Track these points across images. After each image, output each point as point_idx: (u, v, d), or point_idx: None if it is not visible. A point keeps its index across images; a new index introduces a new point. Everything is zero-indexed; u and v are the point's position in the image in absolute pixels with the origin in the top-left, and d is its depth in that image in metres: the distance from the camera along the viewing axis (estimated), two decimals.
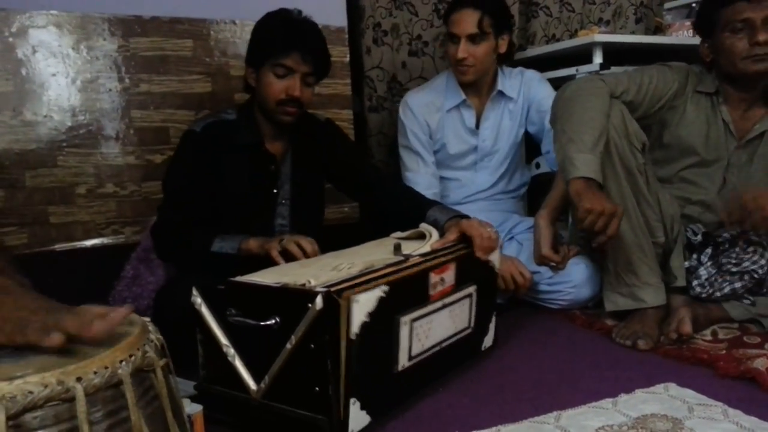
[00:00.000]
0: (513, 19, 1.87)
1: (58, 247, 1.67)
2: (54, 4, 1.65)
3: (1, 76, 1.61)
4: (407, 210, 1.44)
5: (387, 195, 1.52)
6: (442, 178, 1.85)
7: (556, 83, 1.82)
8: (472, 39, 1.68)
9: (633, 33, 2.34)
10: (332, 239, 1.34)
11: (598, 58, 1.79)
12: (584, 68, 1.80)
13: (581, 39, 1.81)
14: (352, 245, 1.28)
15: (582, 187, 1.20)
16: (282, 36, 1.39)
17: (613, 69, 1.80)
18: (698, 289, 1.33)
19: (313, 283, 0.92)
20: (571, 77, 1.84)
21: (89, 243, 1.70)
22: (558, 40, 2.25)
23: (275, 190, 1.49)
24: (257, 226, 1.43)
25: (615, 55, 1.88)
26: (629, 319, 1.36)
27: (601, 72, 1.75)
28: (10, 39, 1.62)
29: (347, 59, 1.99)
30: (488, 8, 1.69)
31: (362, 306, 0.93)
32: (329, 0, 1.95)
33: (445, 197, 1.83)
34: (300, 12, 1.45)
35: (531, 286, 1.54)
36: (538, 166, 1.97)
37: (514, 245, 1.70)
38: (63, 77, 1.67)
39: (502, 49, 1.75)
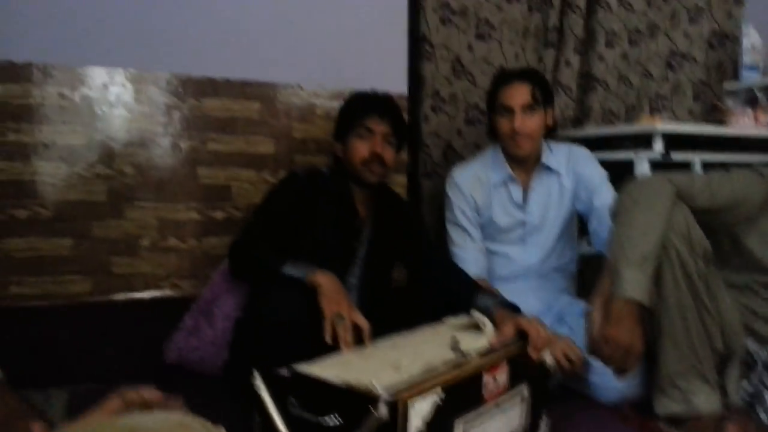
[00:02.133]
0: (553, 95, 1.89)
1: (119, 296, 1.74)
2: (132, 62, 1.75)
3: (77, 130, 1.70)
4: (456, 293, 1.50)
5: (437, 273, 1.58)
6: (489, 252, 1.86)
7: (614, 166, 1.83)
8: (527, 110, 1.71)
9: (691, 111, 2.33)
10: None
11: (659, 146, 1.79)
12: (644, 154, 1.80)
13: (643, 126, 1.82)
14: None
15: (622, 312, 1.22)
16: (362, 104, 1.60)
17: (674, 156, 1.80)
18: (763, 416, 1.29)
19: (376, 385, 0.94)
20: (629, 163, 1.85)
21: (148, 294, 1.77)
22: (614, 115, 2.26)
23: (355, 247, 1.59)
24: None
25: (675, 137, 1.87)
26: (684, 427, 1.33)
27: (663, 157, 1.76)
28: (89, 94, 1.72)
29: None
30: (536, 81, 1.74)
31: (419, 413, 0.94)
32: (392, 68, 2.02)
33: (493, 272, 1.84)
34: (375, 90, 1.66)
35: (582, 372, 1.52)
36: (589, 242, 1.96)
37: (565, 330, 1.69)
38: (136, 133, 1.76)
39: (550, 121, 1.78)
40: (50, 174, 1.68)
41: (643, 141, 1.84)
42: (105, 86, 1.73)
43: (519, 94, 1.70)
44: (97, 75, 1.72)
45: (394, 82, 2.02)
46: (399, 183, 2.04)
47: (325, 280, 1.31)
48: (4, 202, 1.65)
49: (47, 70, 1.67)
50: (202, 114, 1.82)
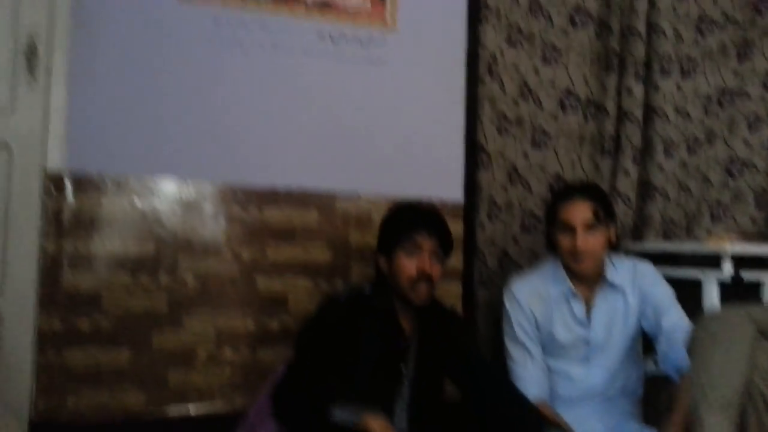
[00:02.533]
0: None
1: (172, 410, 1.72)
2: (197, 173, 1.80)
3: (142, 240, 1.74)
4: (515, 420, 1.44)
5: (495, 398, 1.51)
6: (551, 371, 1.78)
7: (680, 284, 1.77)
8: (588, 228, 1.67)
9: (753, 219, 2.26)
10: None
11: (728, 268, 1.73)
12: (712, 274, 1.75)
13: (712, 247, 1.77)
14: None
15: None
16: (409, 218, 1.56)
17: (744, 275, 1.74)
18: None
19: None
20: (696, 282, 1.79)
21: (202, 409, 1.74)
22: (675, 224, 2.21)
23: (402, 367, 1.52)
24: (379, 401, 1.43)
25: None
26: None
27: (733, 279, 1.70)
28: (155, 204, 1.76)
29: (461, 234, 2.03)
30: (598, 198, 1.70)
31: None
32: (448, 176, 2.04)
33: (554, 393, 1.75)
34: (420, 201, 1.65)
35: None
36: (655, 362, 1.87)
37: None
38: (199, 243, 1.79)
39: (613, 237, 1.73)
40: (115, 283, 1.71)
41: (711, 260, 1.78)
42: (172, 197, 1.77)
43: (580, 212, 1.67)
44: (165, 186, 1.77)
45: (451, 189, 2.03)
46: (453, 292, 2.01)
47: (376, 425, 1.28)
48: (67, 312, 1.67)
49: (118, 181, 1.73)
50: (263, 223, 1.85)
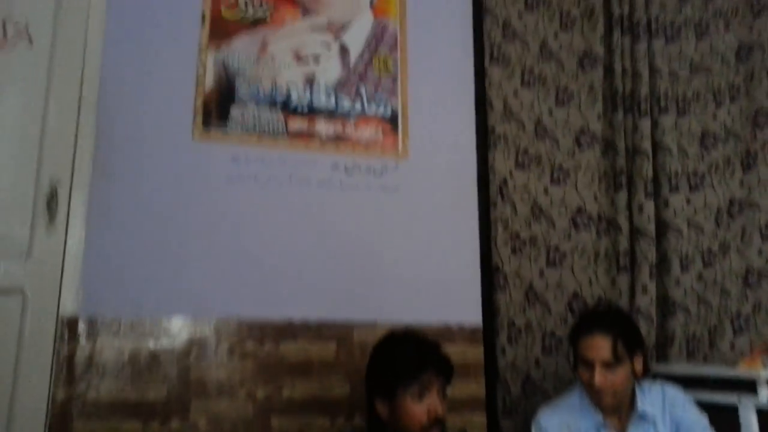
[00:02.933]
0: (643, 338, 1.80)
1: None
2: (212, 311, 1.77)
3: (154, 384, 1.68)
4: None
5: None
6: None
7: (714, 409, 1.70)
8: (607, 365, 1.61)
9: None
10: None
11: (764, 393, 1.67)
12: (748, 400, 1.68)
13: (745, 372, 1.72)
14: None
15: None
16: (412, 357, 1.41)
17: None
18: None
19: None
20: (732, 407, 1.72)
21: None
22: (697, 339, 2.16)
23: None
24: None
25: None
26: None
27: None
28: (168, 345, 1.72)
29: (482, 359, 1.98)
30: (620, 332, 1.63)
31: None
32: (466, 300, 2.00)
33: None
34: (408, 328, 1.53)
35: None
36: None
37: None
38: (212, 383, 1.73)
39: (638, 370, 1.67)
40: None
41: (745, 384, 1.72)
42: (186, 336, 1.73)
43: (599, 349, 1.61)
44: (179, 325, 1.74)
45: (469, 313, 1.99)
46: (477, 422, 1.92)
47: None
48: None
49: (132, 324, 1.70)
50: (279, 358, 1.79)
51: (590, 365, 1.63)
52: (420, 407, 1.37)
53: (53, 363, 1.64)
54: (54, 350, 1.65)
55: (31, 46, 1.78)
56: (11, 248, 1.67)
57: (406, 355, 1.42)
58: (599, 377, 1.61)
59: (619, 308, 2.02)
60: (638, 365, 1.68)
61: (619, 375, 1.62)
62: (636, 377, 1.69)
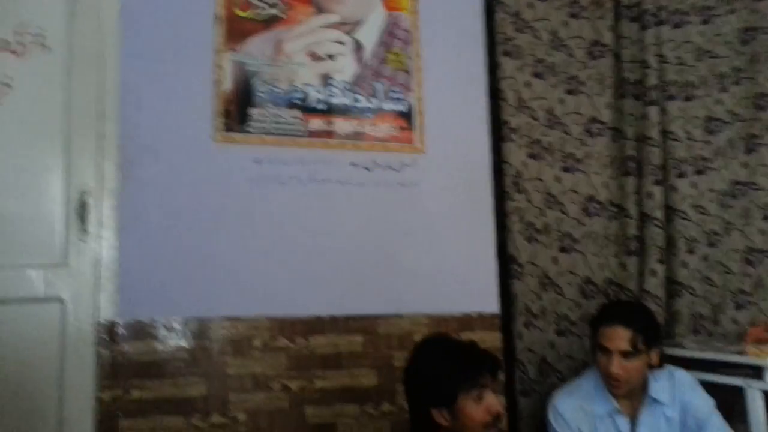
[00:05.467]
0: (662, 332, 1.89)
1: None
2: (244, 309, 1.84)
3: (193, 382, 1.76)
4: None
5: None
6: None
7: (718, 390, 1.80)
8: (625, 355, 1.69)
9: None
10: None
11: None
12: (756, 384, 1.78)
13: (753, 359, 1.81)
14: None
15: None
16: (468, 361, 1.45)
17: None
18: None
19: None
20: (736, 389, 1.82)
21: None
22: (703, 318, 2.26)
23: None
24: None
25: None
26: None
27: None
28: (204, 344, 1.79)
29: (500, 345, 2.07)
30: (640, 326, 1.72)
31: None
32: (484, 289, 2.08)
33: None
34: (437, 334, 1.64)
35: None
36: None
37: None
38: (248, 378, 1.81)
39: (654, 361, 1.76)
40: (170, 428, 1.72)
41: (752, 368, 1.82)
42: (221, 335, 1.81)
43: (619, 339, 1.70)
44: (214, 325, 1.81)
45: (487, 302, 2.08)
46: None
47: None
48: None
49: (169, 325, 1.77)
50: (310, 352, 1.88)
51: (609, 354, 1.72)
52: (481, 408, 1.42)
53: (96, 366, 1.71)
54: (95, 353, 1.72)
55: (48, 55, 1.79)
56: (47, 257, 1.73)
57: (461, 362, 1.44)
58: (616, 366, 1.70)
59: (642, 303, 2.11)
60: (655, 357, 1.76)
61: (636, 365, 1.71)
62: (651, 368, 1.78)
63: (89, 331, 1.72)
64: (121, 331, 1.73)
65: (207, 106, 1.89)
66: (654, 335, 1.75)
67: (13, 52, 1.75)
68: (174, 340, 1.77)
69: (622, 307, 1.84)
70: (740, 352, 1.89)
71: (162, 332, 1.76)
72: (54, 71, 1.79)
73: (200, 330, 1.80)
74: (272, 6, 1.97)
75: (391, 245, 2.01)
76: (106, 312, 1.73)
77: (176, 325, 1.77)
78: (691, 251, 2.26)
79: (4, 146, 1.72)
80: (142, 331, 1.75)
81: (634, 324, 1.71)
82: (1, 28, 1.74)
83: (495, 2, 2.19)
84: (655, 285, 2.19)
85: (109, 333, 1.72)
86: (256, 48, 1.94)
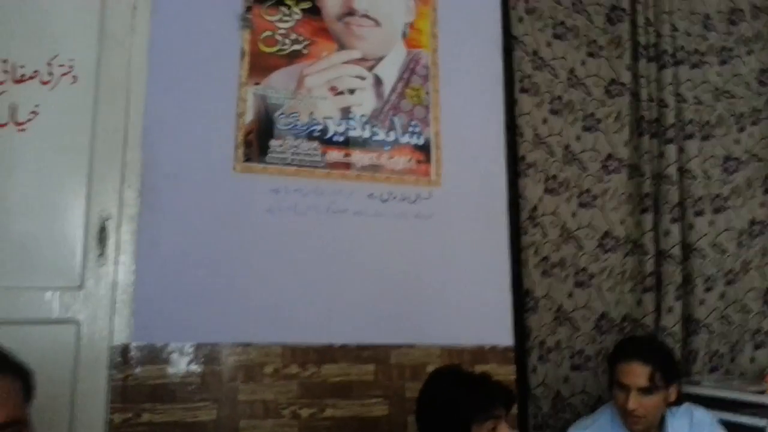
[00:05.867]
0: (680, 369, 1.86)
1: None
2: (257, 336, 1.85)
3: (204, 408, 1.76)
4: None
5: None
6: None
7: (737, 430, 1.76)
8: (643, 392, 1.67)
9: None
10: None
11: None
12: None
13: None
14: None
15: None
16: (482, 394, 1.44)
17: None
18: None
19: None
20: (757, 429, 1.78)
21: None
22: (720, 356, 2.23)
23: None
24: None
25: None
26: None
27: None
28: (216, 370, 1.80)
29: (514, 378, 2.05)
30: (658, 363, 1.70)
31: None
32: (498, 322, 2.07)
33: None
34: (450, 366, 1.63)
35: None
36: None
37: None
38: (259, 405, 1.81)
39: (672, 398, 1.74)
40: None
41: None
42: (233, 361, 1.81)
43: (636, 376, 1.68)
44: (226, 351, 1.81)
45: (501, 334, 2.06)
46: None
47: None
48: None
49: (182, 350, 1.78)
50: (321, 380, 1.87)
51: (627, 390, 1.70)
52: None
53: (108, 388, 1.72)
54: (108, 376, 1.73)
55: (76, 85, 1.85)
56: (65, 280, 1.75)
57: (474, 392, 1.44)
58: (634, 402, 1.67)
59: (660, 339, 2.09)
60: (673, 394, 1.74)
61: (653, 402, 1.69)
62: (669, 404, 1.75)
63: (103, 353, 1.73)
64: (134, 354, 1.75)
65: (229, 137, 1.93)
66: (672, 372, 1.73)
67: (44, 81, 1.82)
68: (186, 365, 1.77)
69: (640, 343, 1.83)
70: (762, 392, 1.85)
71: (175, 356, 1.77)
72: (81, 100, 1.84)
73: (212, 355, 1.80)
74: (296, 42, 2.04)
75: (406, 276, 2.01)
76: (121, 335, 1.75)
77: (189, 350, 1.78)
78: (708, 289, 2.24)
79: (29, 171, 1.77)
80: (155, 354, 1.76)
81: (652, 360, 1.69)
82: (34, 59, 1.81)
83: (514, 41, 2.24)
84: (672, 322, 2.16)
85: (122, 356, 1.74)
86: (278, 82, 1.99)
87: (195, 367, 1.78)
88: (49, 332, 1.73)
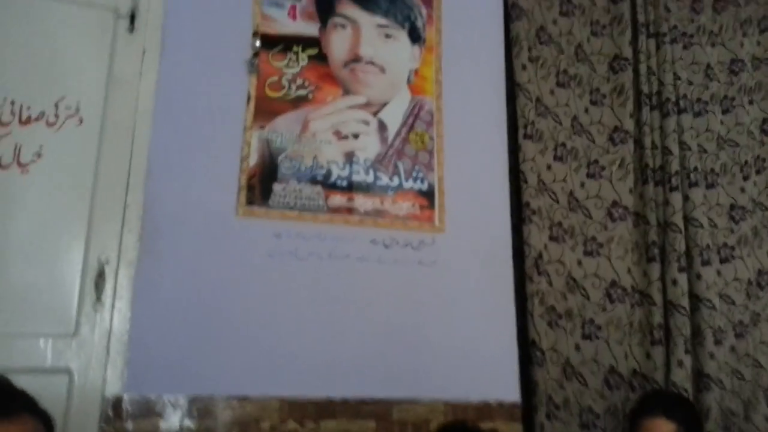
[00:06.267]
0: (704, 426, 1.80)
1: None
2: (254, 389, 1.77)
3: None
4: None
5: None
6: None
7: None
8: None
9: None
10: None
11: None
12: None
13: None
14: None
15: None
16: None
17: None
18: None
19: None
20: None
21: None
22: (733, 414, 2.15)
23: None
24: None
25: None
26: None
27: None
28: (210, 425, 1.70)
29: None
30: (682, 418, 1.65)
31: None
32: (504, 376, 2.00)
33: None
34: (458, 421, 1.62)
35: None
36: None
37: None
38: None
39: None
40: None
41: None
42: (228, 415, 1.73)
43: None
44: (221, 404, 1.73)
45: (507, 389, 1.98)
46: None
47: None
48: None
49: (176, 403, 1.70)
50: None
51: None
52: None
53: None
54: (99, 430, 1.65)
55: (81, 127, 1.83)
56: (59, 326, 1.69)
57: None
58: None
59: (681, 394, 2.03)
60: None
61: None
62: None
63: (95, 405, 1.66)
64: (126, 407, 1.67)
65: (232, 181, 1.90)
66: (697, 428, 1.68)
67: (49, 123, 1.80)
68: (179, 420, 1.69)
69: (664, 398, 1.78)
70: None
71: (168, 410, 1.69)
72: (86, 142, 1.82)
73: (207, 409, 1.72)
74: (301, 87, 2.03)
75: (408, 326, 1.95)
76: (113, 386, 1.67)
77: (183, 402, 1.70)
78: (718, 342, 2.18)
79: (30, 213, 1.73)
80: (147, 408, 1.68)
81: (677, 416, 1.65)
82: (41, 100, 1.79)
83: (517, 87, 2.24)
84: (682, 377, 2.09)
85: (114, 409, 1.66)
86: (283, 126, 1.98)
87: (188, 422, 1.70)
88: (41, 381, 1.63)
